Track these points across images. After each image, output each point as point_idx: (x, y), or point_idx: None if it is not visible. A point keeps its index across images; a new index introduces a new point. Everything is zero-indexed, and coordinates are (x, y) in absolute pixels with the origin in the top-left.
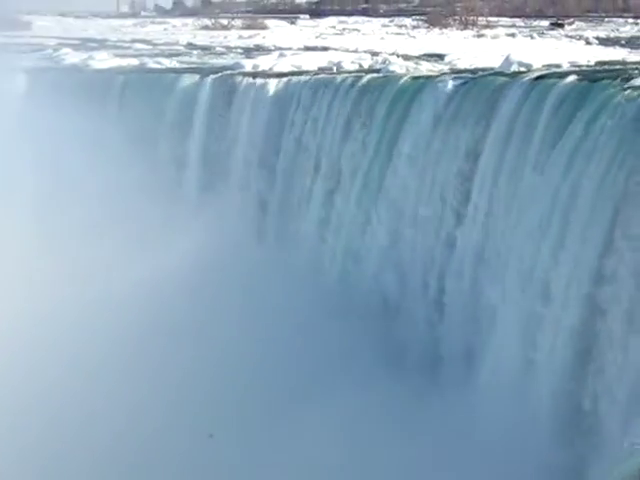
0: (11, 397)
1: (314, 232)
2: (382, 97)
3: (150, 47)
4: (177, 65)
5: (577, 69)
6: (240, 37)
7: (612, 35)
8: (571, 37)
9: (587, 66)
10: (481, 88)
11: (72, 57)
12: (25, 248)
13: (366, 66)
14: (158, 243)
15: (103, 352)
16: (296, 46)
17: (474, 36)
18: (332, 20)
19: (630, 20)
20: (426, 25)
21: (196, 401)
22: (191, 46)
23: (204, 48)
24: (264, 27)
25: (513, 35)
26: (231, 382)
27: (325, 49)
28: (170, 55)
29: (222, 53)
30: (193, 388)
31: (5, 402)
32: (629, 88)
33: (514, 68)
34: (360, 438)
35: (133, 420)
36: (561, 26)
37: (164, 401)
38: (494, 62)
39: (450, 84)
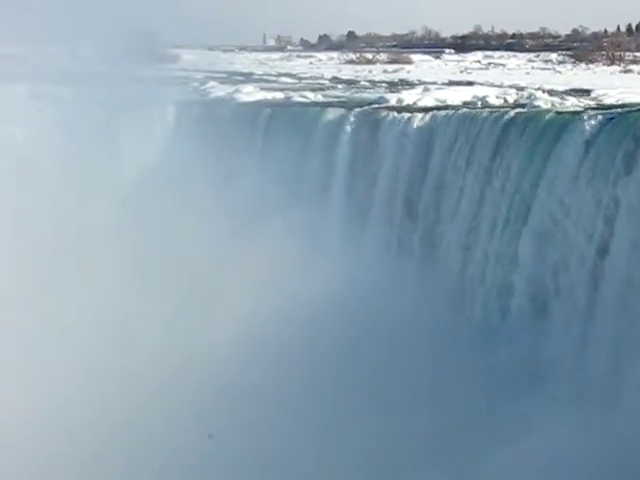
0: None
1: (458, 270)
2: (527, 132)
3: (295, 81)
4: (322, 99)
5: None
6: (385, 71)
7: None
8: None
9: None
10: (628, 124)
11: (218, 90)
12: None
13: (511, 101)
14: (301, 277)
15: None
16: (441, 80)
17: (621, 71)
18: (477, 55)
19: None
20: (572, 60)
21: None
22: (336, 80)
23: (349, 82)
24: (409, 61)
25: None
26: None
27: (470, 84)
28: (315, 89)
29: (367, 87)
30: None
31: None
32: None
33: None
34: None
35: None
36: None
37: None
38: None
39: (596, 119)
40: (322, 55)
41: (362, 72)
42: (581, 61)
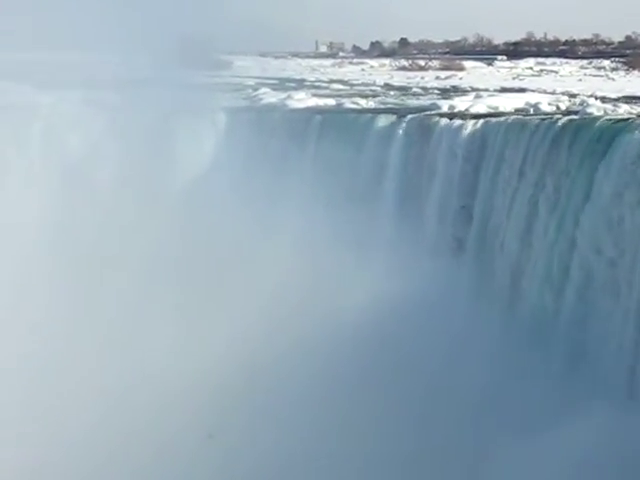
0: None
1: (510, 276)
2: (579, 139)
3: (347, 87)
4: (374, 105)
5: None
6: (437, 78)
7: None
8: None
9: None
10: None
11: (270, 96)
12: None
13: (563, 108)
14: (354, 278)
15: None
16: (493, 87)
17: None
18: (530, 61)
19: None
20: (625, 67)
21: None
22: (388, 87)
23: (401, 89)
24: (461, 68)
25: None
26: None
27: (522, 90)
28: (367, 95)
29: (419, 94)
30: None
31: None
32: None
33: None
34: None
35: None
36: None
37: None
38: None
39: None
40: (374, 62)
41: (414, 79)
42: (634, 68)
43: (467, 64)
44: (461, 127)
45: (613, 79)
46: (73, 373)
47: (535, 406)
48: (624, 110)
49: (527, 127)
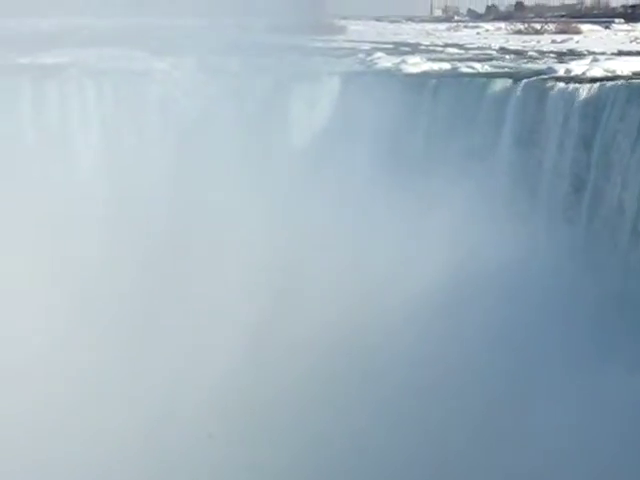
0: None
1: (628, 250)
2: None
3: (462, 51)
4: (489, 69)
5: None
6: (553, 41)
7: None
8: None
9: None
10: None
11: (385, 61)
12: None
13: None
14: (471, 241)
15: None
16: (610, 51)
17: None
18: None
19: None
20: None
21: None
22: (503, 50)
23: (516, 52)
24: (578, 31)
25: None
26: None
27: None
28: (482, 59)
29: (535, 58)
30: None
31: None
32: None
33: None
34: None
35: None
36: None
37: None
38: None
39: None
40: (489, 25)
41: (530, 42)
42: None
43: (584, 27)
44: (577, 91)
45: None
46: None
47: None
48: None
49: None
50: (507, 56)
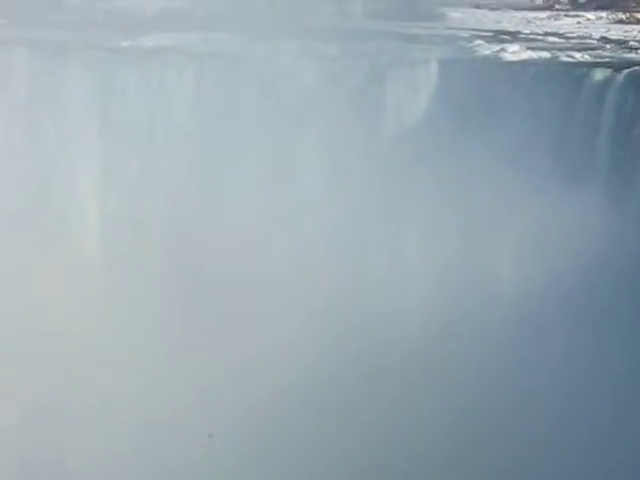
0: None
1: None
2: None
3: (562, 40)
4: (589, 59)
5: None
6: None
7: None
8: None
9: None
10: None
11: (484, 49)
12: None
13: None
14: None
15: None
16: None
17: None
18: None
19: None
20: None
21: None
22: (604, 40)
23: (617, 42)
24: None
25: None
26: None
27: None
28: (582, 49)
29: (636, 47)
30: None
31: None
32: None
33: None
34: None
35: None
36: None
37: None
38: None
39: None
40: (591, 14)
41: (632, 32)
42: None
43: None
44: None
45: None
46: None
47: None
48: None
49: None
50: (608, 45)
